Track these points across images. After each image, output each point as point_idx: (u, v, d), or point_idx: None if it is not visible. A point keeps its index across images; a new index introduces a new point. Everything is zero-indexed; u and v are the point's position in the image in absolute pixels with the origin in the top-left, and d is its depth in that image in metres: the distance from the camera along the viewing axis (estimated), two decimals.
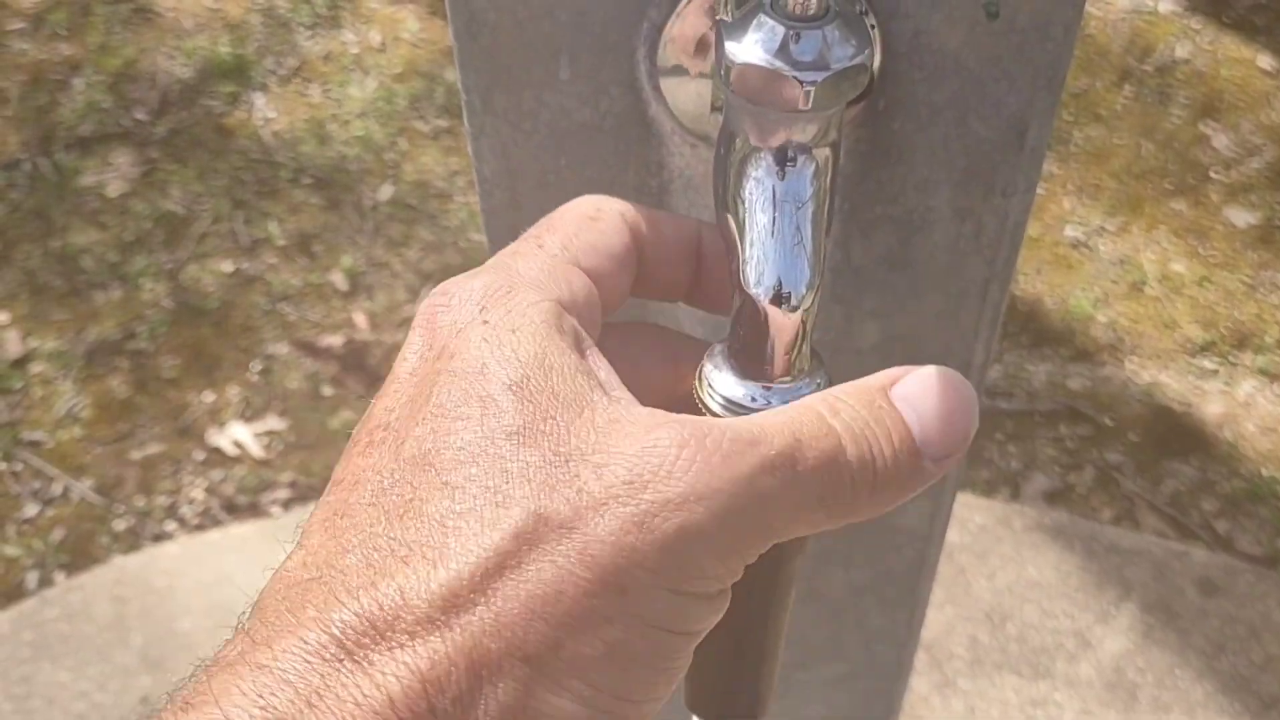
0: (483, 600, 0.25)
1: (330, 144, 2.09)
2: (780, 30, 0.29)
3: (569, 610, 0.25)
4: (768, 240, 0.31)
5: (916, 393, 0.30)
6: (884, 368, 0.47)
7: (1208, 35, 2.26)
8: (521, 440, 0.26)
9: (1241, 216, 2.01)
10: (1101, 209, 2.00)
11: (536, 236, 0.32)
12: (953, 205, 0.41)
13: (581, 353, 0.29)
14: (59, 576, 1.57)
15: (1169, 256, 1.94)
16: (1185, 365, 1.82)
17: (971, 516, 1.52)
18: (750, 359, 0.32)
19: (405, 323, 1.86)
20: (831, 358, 0.47)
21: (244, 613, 0.28)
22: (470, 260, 1.93)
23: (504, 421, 0.27)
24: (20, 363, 1.79)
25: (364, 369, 1.82)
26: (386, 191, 2.03)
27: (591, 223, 0.32)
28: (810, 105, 0.29)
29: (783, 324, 0.31)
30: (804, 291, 0.32)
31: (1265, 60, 2.23)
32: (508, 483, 0.26)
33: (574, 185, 0.41)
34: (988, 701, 1.35)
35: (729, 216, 0.32)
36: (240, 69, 2.19)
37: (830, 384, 0.34)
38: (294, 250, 1.94)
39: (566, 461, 0.26)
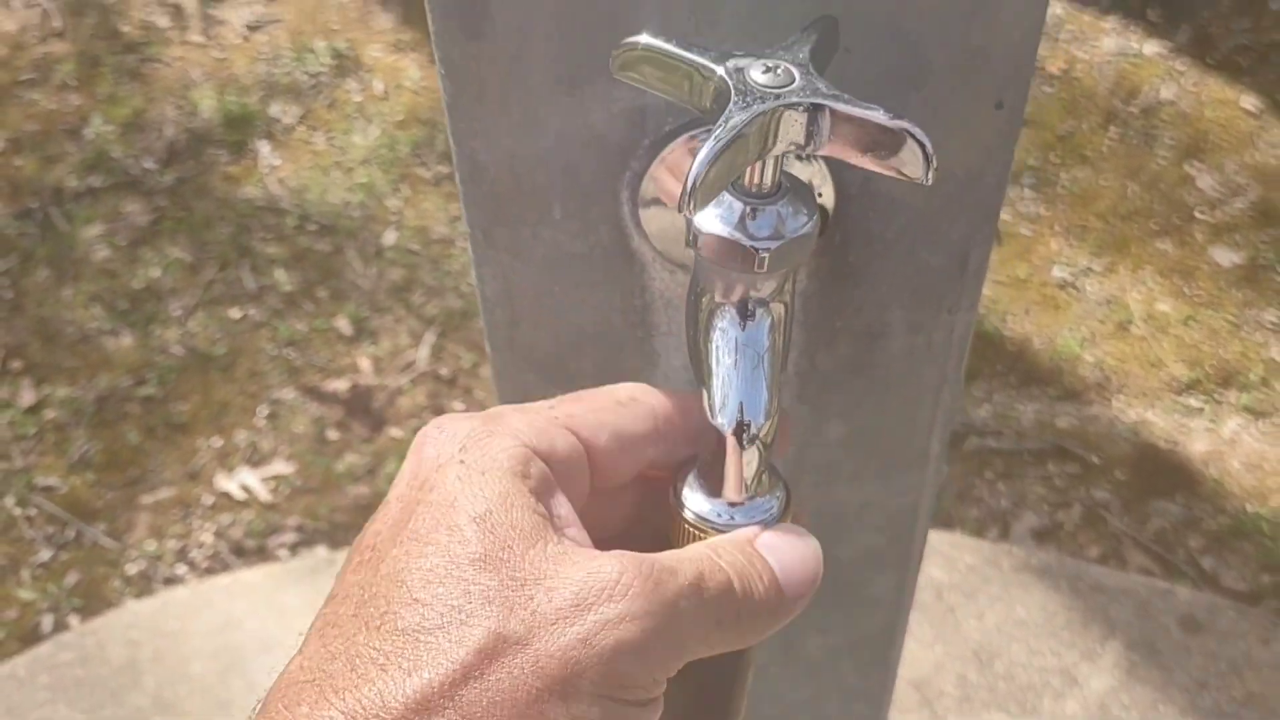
0: (450, 705, 0.29)
1: (334, 191, 2.14)
2: (739, 206, 0.34)
3: (523, 714, 0.29)
4: (731, 379, 0.36)
5: (775, 544, 0.36)
6: (849, 461, 0.52)
7: (1192, 77, 2.31)
8: (483, 566, 0.31)
9: (1226, 256, 2.05)
10: (1088, 249, 2.05)
11: (553, 402, 0.37)
12: (905, 321, 0.45)
13: (542, 495, 0.33)
14: (73, 620, 1.61)
15: (1155, 296, 1.99)
16: (1171, 403, 1.86)
17: (961, 556, 1.56)
18: (718, 480, 0.37)
19: (409, 367, 1.90)
20: (802, 451, 0.52)
21: (253, 708, 0.33)
22: (470, 306, 1.98)
23: (468, 549, 0.31)
24: (34, 409, 1.84)
25: (369, 413, 1.86)
26: (390, 237, 2.08)
27: (617, 406, 0.37)
28: (766, 269, 0.34)
29: (745, 451, 0.36)
30: (763, 421, 0.36)
31: (1249, 101, 2.28)
32: (470, 602, 0.30)
33: (566, 306, 0.46)
34: None
35: (699, 358, 0.37)
36: (246, 118, 2.24)
37: (789, 497, 0.39)
38: (299, 296, 1.99)
39: (522, 585, 0.31)
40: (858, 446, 0.51)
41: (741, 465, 0.36)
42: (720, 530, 0.37)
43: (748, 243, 0.34)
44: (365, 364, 1.91)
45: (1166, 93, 2.28)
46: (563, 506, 0.34)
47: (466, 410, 1.84)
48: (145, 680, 1.45)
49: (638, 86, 0.34)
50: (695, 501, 0.37)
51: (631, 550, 0.32)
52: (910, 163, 0.31)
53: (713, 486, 0.37)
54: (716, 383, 0.36)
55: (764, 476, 0.37)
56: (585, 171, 0.41)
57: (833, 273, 0.44)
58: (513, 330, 0.47)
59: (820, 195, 0.41)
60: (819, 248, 0.43)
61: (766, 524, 0.37)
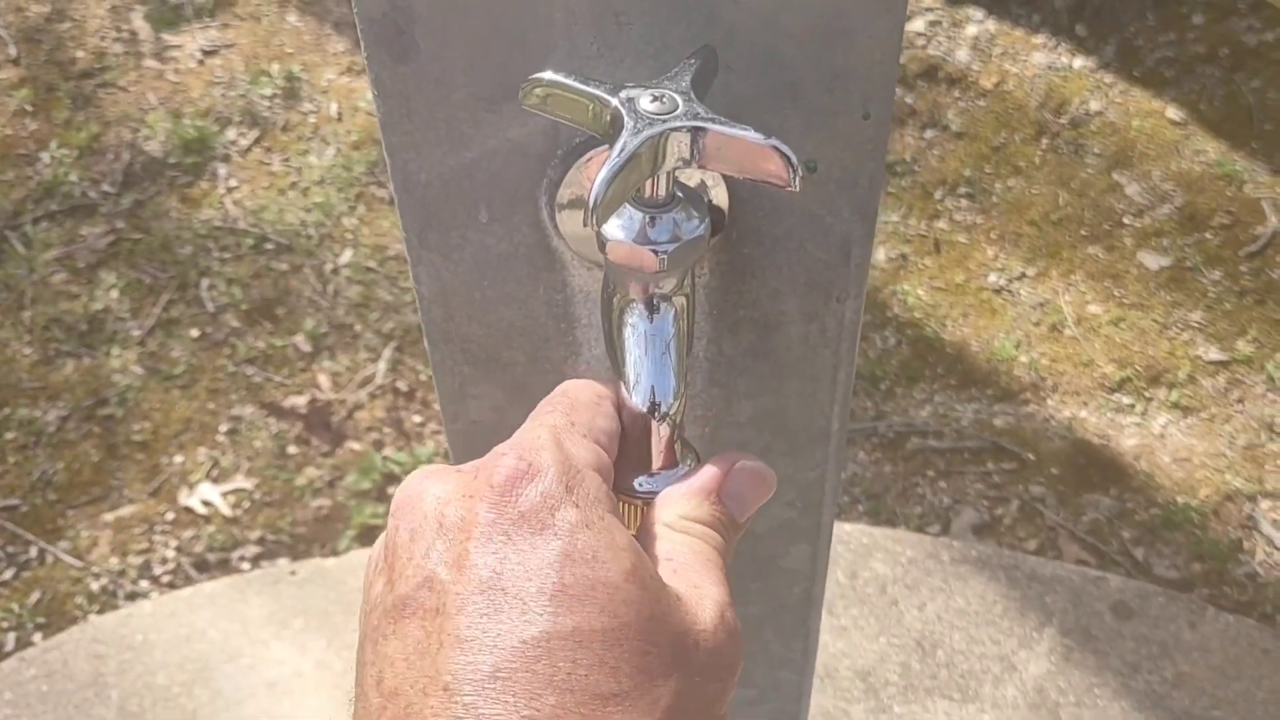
0: None
1: (291, 211, 2.18)
2: (639, 215, 0.40)
3: None
4: (642, 366, 0.41)
5: (738, 490, 0.41)
6: (759, 438, 0.57)
7: (1119, 88, 2.41)
8: (652, 625, 0.33)
9: (1153, 260, 2.14)
10: (1022, 256, 2.13)
11: (569, 415, 0.39)
12: (800, 310, 0.51)
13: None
14: (36, 637, 1.63)
15: (1086, 299, 2.07)
16: (1103, 401, 1.94)
17: (904, 551, 1.62)
18: (639, 454, 0.42)
19: (367, 382, 1.94)
20: (716, 430, 0.57)
21: None
22: None
23: (634, 610, 0.32)
24: None
25: (328, 428, 1.90)
26: (346, 256, 2.12)
27: (598, 404, 0.40)
28: (666, 268, 0.40)
29: (658, 427, 0.41)
30: (672, 400, 0.42)
31: (1174, 111, 2.38)
32: (649, 663, 0.32)
33: (495, 301, 0.51)
34: None
35: (614, 349, 0.42)
36: (202, 141, 2.28)
37: (699, 460, 0.44)
38: (258, 315, 2.03)
39: (683, 639, 0.33)
40: (766, 425, 0.56)
41: (658, 439, 0.42)
42: (644, 498, 0.42)
43: (649, 247, 0.39)
44: (324, 380, 1.95)
45: (1095, 105, 2.37)
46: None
47: (422, 423, 1.88)
48: (110, 693, 1.48)
49: (545, 116, 0.40)
50: (623, 475, 0.42)
51: None
52: (778, 172, 0.37)
53: (639, 460, 0.42)
54: (630, 370, 0.41)
55: (677, 446, 0.43)
56: (507, 179, 0.46)
57: (732, 268, 0.50)
58: (448, 325, 0.52)
59: (713, 199, 0.47)
60: (718, 245, 0.49)
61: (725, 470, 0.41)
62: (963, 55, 2.46)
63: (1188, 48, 2.50)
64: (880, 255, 2.14)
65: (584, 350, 0.53)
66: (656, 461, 0.43)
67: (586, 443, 0.38)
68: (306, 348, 1.99)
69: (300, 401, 1.92)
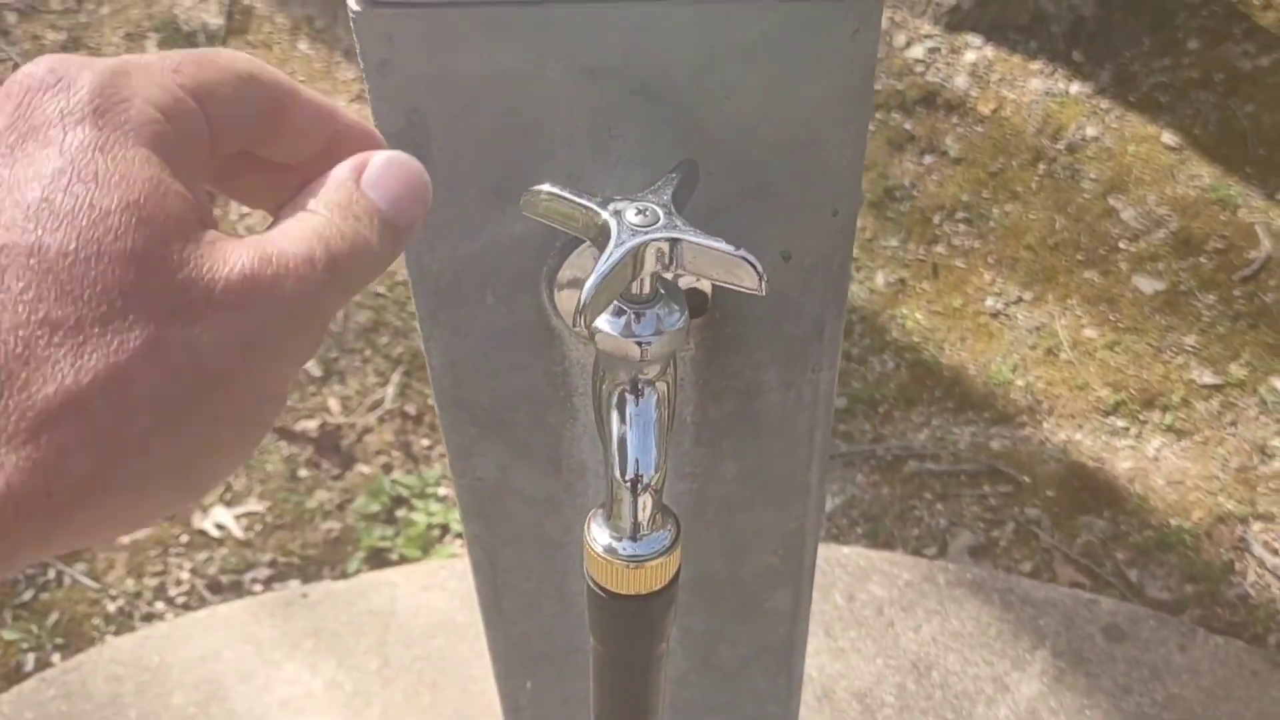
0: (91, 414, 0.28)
1: None
2: (625, 311, 0.44)
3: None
4: (625, 444, 0.46)
5: (379, 180, 0.35)
6: (743, 493, 0.62)
7: (1115, 114, 2.45)
8: (141, 264, 0.29)
9: (1149, 284, 2.18)
10: (1018, 280, 2.17)
11: (175, 60, 0.33)
12: (779, 379, 0.55)
13: (182, 176, 0.31)
14: (55, 658, 1.68)
15: (1081, 323, 2.11)
16: (1098, 424, 1.98)
17: (900, 573, 1.66)
18: (622, 521, 0.47)
19: (376, 406, 1.99)
20: (705, 487, 0.61)
21: None
22: None
23: (122, 244, 0.28)
24: None
25: (338, 451, 1.94)
26: None
27: (238, 80, 0.33)
28: (650, 358, 0.44)
29: (640, 497, 0.46)
30: (653, 473, 0.46)
31: (1169, 136, 2.42)
32: (129, 303, 0.28)
33: (500, 372, 0.55)
34: None
35: (602, 424, 0.47)
36: None
37: (679, 528, 0.48)
38: None
39: (183, 290, 0.29)
40: (749, 481, 0.61)
41: (638, 508, 0.46)
42: (626, 562, 0.47)
43: (633, 340, 0.44)
44: (334, 404, 1.99)
45: (1091, 130, 2.41)
46: (199, 189, 0.31)
47: (430, 446, 1.93)
48: (128, 713, 1.52)
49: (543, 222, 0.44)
50: (602, 535, 0.47)
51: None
52: (747, 279, 0.41)
53: (618, 526, 0.47)
54: (616, 446, 0.46)
55: (658, 515, 0.47)
56: (510, 267, 0.51)
57: (716, 343, 0.54)
58: (457, 392, 0.56)
59: (699, 282, 0.51)
60: (703, 324, 0.53)
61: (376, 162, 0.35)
62: (961, 81, 2.50)
63: (1183, 73, 2.54)
64: (879, 280, 2.19)
65: (580, 415, 0.57)
66: (639, 526, 0.47)
67: (176, 90, 0.32)
68: (317, 372, 2.03)
69: (311, 425, 1.97)
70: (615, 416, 0.46)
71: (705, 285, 0.51)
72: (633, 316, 0.44)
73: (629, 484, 0.46)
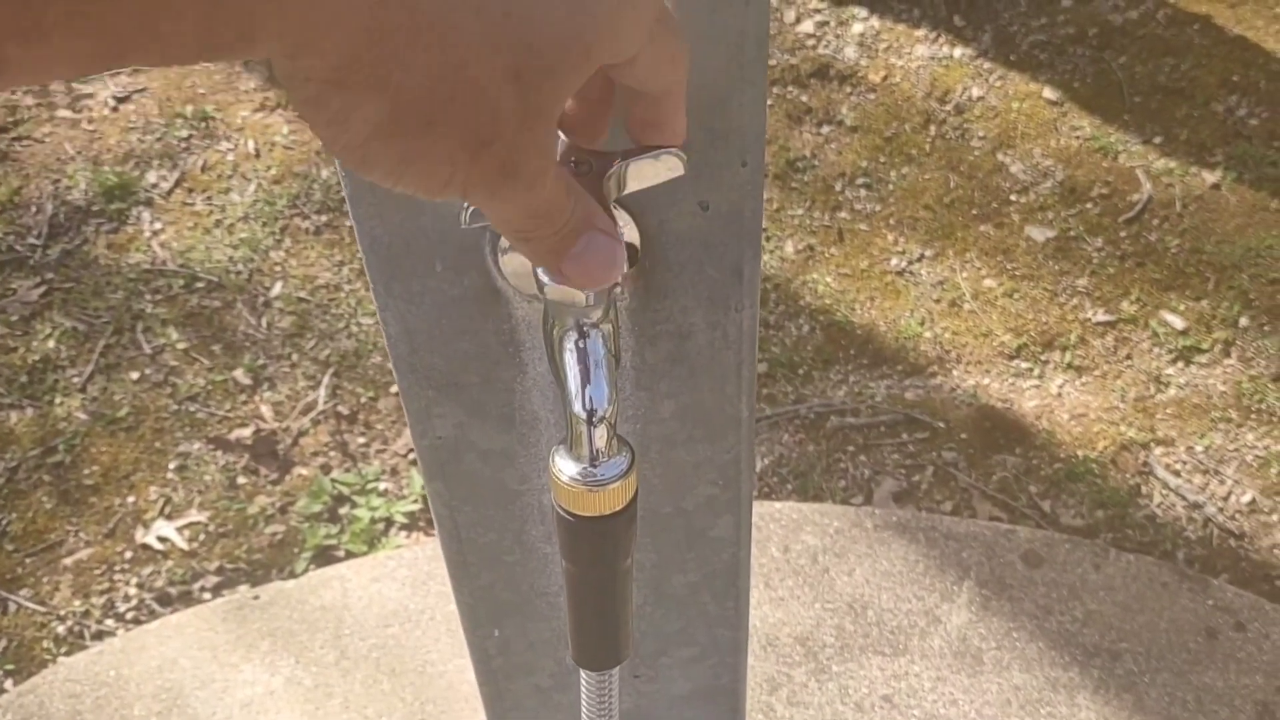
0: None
1: (218, 249, 2.24)
2: None
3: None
4: (580, 381, 0.51)
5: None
6: (682, 429, 0.68)
7: (998, 74, 2.57)
8: None
9: (1040, 233, 2.30)
10: (919, 238, 2.27)
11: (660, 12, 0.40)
12: (705, 320, 0.62)
13: None
14: (9, 684, 1.68)
15: (981, 275, 2.22)
16: (1003, 368, 2.09)
17: (830, 523, 1.74)
18: (583, 450, 0.52)
19: (309, 409, 2.02)
20: (646, 427, 0.67)
21: None
22: (362, 345, 2.10)
23: None
24: None
25: (275, 456, 1.96)
26: (277, 288, 2.19)
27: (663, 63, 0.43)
28: (593, 303, 0.50)
29: (596, 430, 0.52)
30: (606, 406, 0.52)
31: (1049, 92, 2.54)
32: None
33: (452, 335, 0.61)
34: (857, 680, 1.57)
35: (557, 367, 0.52)
36: (124, 187, 2.32)
37: (633, 456, 0.54)
38: (195, 353, 2.09)
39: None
40: (686, 418, 0.67)
41: (595, 437, 0.52)
42: (590, 488, 0.52)
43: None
44: (266, 410, 2.01)
45: (976, 91, 2.52)
46: None
47: (366, 443, 1.96)
48: None
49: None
50: (567, 466, 0.52)
51: None
52: (678, 165, 0.46)
53: (580, 456, 0.52)
54: (570, 384, 0.52)
55: (614, 443, 0.53)
56: (456, 236, 0.56)
57: (648, 290, 0.60)
58: (413, 358, 0.62)
59: (627, 236, 0.57)
60: (634, 273, 0.59)
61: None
62: (850, 53, 2.60)
63: (1058, 30, 2.66)
64: (789, 248, 2.27)
65: (529, 369, 0.63)
66: (599, 454, 0.53)
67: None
68: (246, 381, 2.05)
69: (245, 433, 1.99)
70: (568, 358, 0.51)
71: (634, 236, 0.57)
72: None
73: (586, 416, 0.51)
